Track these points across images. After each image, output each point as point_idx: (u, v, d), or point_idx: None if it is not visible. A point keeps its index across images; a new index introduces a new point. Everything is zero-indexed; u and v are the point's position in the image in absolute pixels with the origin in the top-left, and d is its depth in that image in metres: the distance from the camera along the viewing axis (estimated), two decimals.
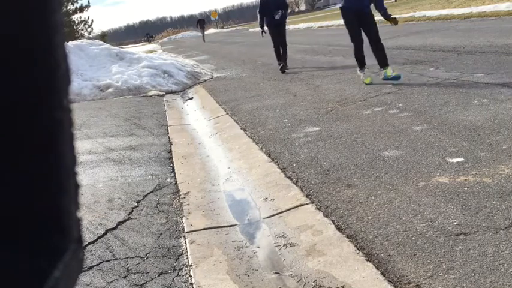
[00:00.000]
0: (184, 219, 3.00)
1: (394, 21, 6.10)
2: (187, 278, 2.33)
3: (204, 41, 31.83)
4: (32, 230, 0.30)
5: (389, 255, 2.21)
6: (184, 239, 2.74)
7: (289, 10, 7.79)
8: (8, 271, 0.28)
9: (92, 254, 2.61)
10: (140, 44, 58.65)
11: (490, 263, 2.00)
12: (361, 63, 6.32)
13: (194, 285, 2.26)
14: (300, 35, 20.98)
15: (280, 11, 8.43)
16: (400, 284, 1.99)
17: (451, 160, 3.19)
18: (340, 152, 3.75)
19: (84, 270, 2.43)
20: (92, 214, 3.15)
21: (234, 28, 65.87)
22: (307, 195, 3.05)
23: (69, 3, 28.89)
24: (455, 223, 2.37)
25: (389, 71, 6.09)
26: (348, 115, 4.85)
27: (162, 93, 8.71)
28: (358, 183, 3.10)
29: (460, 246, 2.17)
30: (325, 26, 24.78)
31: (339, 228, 2.55)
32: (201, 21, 35.82)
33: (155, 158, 4.37)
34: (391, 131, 4.08)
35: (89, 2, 31.44)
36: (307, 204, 2.93)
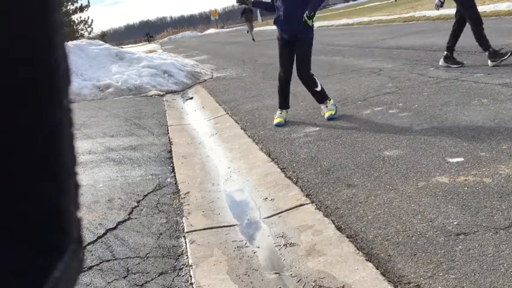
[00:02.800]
0: (184, 219, 3.00)
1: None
2: (187, 278, 2.33)
3: (253, 39, 22.09)
4: (32, 230, 0.30)
5: (389, 255, 2.21)
6: (184, 239, 2.74)
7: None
8: (8, 271, 0.28)
9: (92, 254, 2.61)
10: (140, 44, 58.65)
11: (490, 263, 2.00)
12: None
13: (194, 285, 2.26)
14: None
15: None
16: (400, 284, 1.99)
17: (451, 160, 3.19)
18: (340, 152, 3.75)
19: (84, 270, 2.43)
20: (92, 214, 3.15)
21: (234, 28, 65.89)
22: (307, 195, 3.05)
23: (69, 3, 28.90)
24: (455, 223, 2.37)
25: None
26: (348, 115, 4.85)
27: (162, 93, 8.71)
28: (358, 183, 3.10)
29: (460, 246, 2.17)
30: (325, 26, 24.79)
31: (339, 228, 2.55)
32: (248, 12, 23.80)
33: (155, 158, 4.37)
34: (391, 131, 4.08)
35: (89, 2, 31.45)
36: (307, 204, 2.93)
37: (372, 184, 3.04)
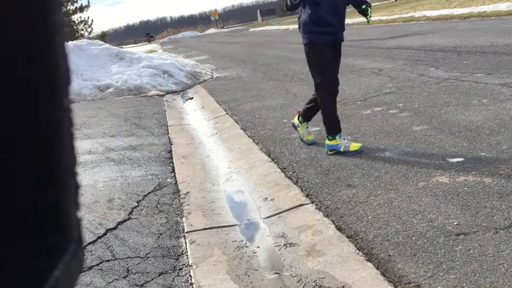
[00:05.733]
0: (184, 219, 3.00)
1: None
2: (187, 278, 2.33)
3: None
4: (32, 230, 0.30)
5: (390, 255, 2.21)
6: (184, 239, 2.74)
7: None
8: (8, 271, 0.28)
9: (92, 254, 2.61)
10: (140, 44, 58.63)
11: (490, 263, 2.00)
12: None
13: (194, 285, 2.26)
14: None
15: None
16: (400, 284, 1.99)
17: (451, 160, 3.19)
18: (340, 152, 3.75)
19: (84, 270, 2.43)
20: (92, 214, 3.15)
21: (234, 28, 65.93)
22: (307, 195, 3.05)
23: (69, 3, 28.90)
24: (455, 223, 2.37)
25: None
26: (348, 115, 4.85)
27: (162, 93, 8.71)
28: (358, 183, 3.10)
29: (460, 246, 2.17)
30: None
31: (339, 228, 2.55)
32: None
33: (155, 158, 4.37)
34: (391, 131, 4.08)
35: (89, 2, 31.44)
36: (307, 204, 2.92)
37: (372, 184, 3.04)
